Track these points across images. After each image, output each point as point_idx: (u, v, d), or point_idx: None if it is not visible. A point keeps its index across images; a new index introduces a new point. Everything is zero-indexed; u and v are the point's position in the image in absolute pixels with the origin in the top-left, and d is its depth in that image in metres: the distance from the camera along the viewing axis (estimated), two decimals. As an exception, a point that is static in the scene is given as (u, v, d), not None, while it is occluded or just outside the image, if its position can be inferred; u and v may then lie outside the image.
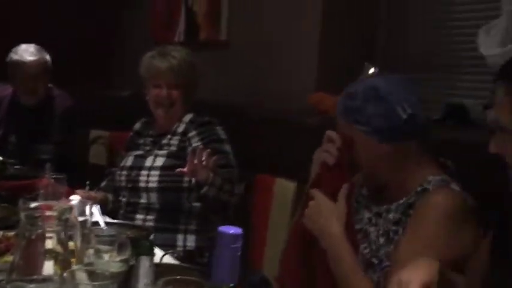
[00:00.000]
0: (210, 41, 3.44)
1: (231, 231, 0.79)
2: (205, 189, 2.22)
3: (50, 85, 3.18)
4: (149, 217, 2.42)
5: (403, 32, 2.68)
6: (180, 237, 2.42)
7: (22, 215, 1.21)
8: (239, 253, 0.79)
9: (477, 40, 1.83)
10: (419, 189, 1.53)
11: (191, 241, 2.43)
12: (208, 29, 3.45)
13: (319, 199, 1.55)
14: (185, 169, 2.15)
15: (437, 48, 2.48)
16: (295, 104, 2.66)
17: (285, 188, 2.39)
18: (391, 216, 1.56)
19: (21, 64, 3.05)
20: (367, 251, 1.56)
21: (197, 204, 2.44)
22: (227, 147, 2.45)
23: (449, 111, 2.14)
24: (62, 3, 4.33)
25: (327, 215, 1.53)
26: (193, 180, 2.31)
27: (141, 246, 1.14)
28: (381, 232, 1.56)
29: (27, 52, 3.07)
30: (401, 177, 1.56)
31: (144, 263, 1.13)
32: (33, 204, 1.22)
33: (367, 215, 1.63)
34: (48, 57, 3.13)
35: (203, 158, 2.11)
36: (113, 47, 4.55)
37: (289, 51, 2.87)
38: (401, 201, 1.55)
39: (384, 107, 1.52)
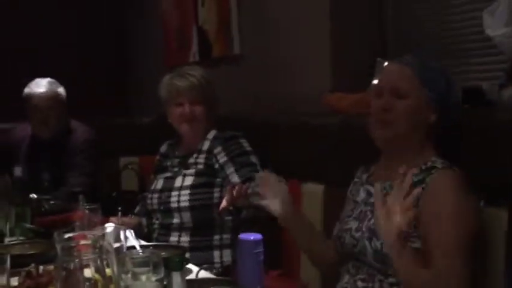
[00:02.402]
0: (223, 56, 3.49)
1: (251, 238, 0.82)
2: (244, 213, 2.26)
3: (68, 118, 3.26)
4: (183, 238, 2.46)
5: (412, 22, 2.68)
6: (216, 254, 2.46)
7: (58, 246, 1.25)
8: (261, 258, 0.82)
9: (482, 22, 1.84)
10: (423, 167, 1.67)
11: (227, 256, 2.46)
12: (221, 45, 3.50)
13: None
14: (223, 204, 2.07)
15: (449, 34, 2.48)
16: (313, 109, 2.68)
17: (313, 191, 2.41)
18: None
19: (31, 96, 3.15)
20: (372, 222, 1.70)
21: (229, 218, 2.47)
22: (253, 159, 2.48)
23: (467, 95, 2.14)
24: (74, 36, 4.45)
25: None
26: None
27: (171, 262, 1.17)
28: None
29: (37, 85, 3.18)
30: (416, 153, 1.72)
31: (176, 278, 1.17)
32: (67, 235, 1.26)
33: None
34: (61, 90, 3.21)
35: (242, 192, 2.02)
36: (128, 75, 4.64)
37: (301, 56, 2.89)
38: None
39: (449, 85, 1.75)
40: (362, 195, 1.84)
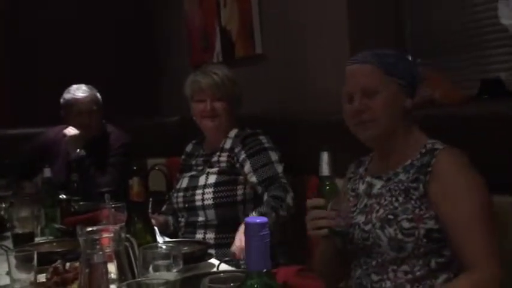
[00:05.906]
0: (245, 56, 3.52)
1: (257, 221, 0.86)
2: None
3: (103, 122, 3.34)
4: (208, 235, 2.49)
5: (428, 18, 2.68)
6: (240, 251, 2.49)
7: (81, 240, 1.29)
8: (268, 240, 0.85)
9: (498, 12, 1.84)
10: (423, 150, 1.69)
11: (252, 252, 2.48)
12: (243, 45, 3.53)
13: None
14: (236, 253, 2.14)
15: (465, 28, 2.48)
16: (334, 106, 2.69)
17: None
18: (402, 177, 1.69)
19: (74, 101, 3.25)
20: (381, 212, 1.69)
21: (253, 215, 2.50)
22: (273, 155, 2.50)
23: (485, 87, 2.14)
24: (102, 40, 4.53)
25: None
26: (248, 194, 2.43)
27: None
28: (397, 192, 1.69)
29: (79, 90, 3.28)
30: (406, 139, 1.74)
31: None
32: (90, 228, 1.30)
33: (379, 184, 1.76)
34: (98, 94, 3.31)
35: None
36: (155, 77, 4.71)
37: (321, 55, 2.91)
38: (407, 163, 1.71)
39: (409, 65, 1.78)
40: (362, 187, 1.83)
